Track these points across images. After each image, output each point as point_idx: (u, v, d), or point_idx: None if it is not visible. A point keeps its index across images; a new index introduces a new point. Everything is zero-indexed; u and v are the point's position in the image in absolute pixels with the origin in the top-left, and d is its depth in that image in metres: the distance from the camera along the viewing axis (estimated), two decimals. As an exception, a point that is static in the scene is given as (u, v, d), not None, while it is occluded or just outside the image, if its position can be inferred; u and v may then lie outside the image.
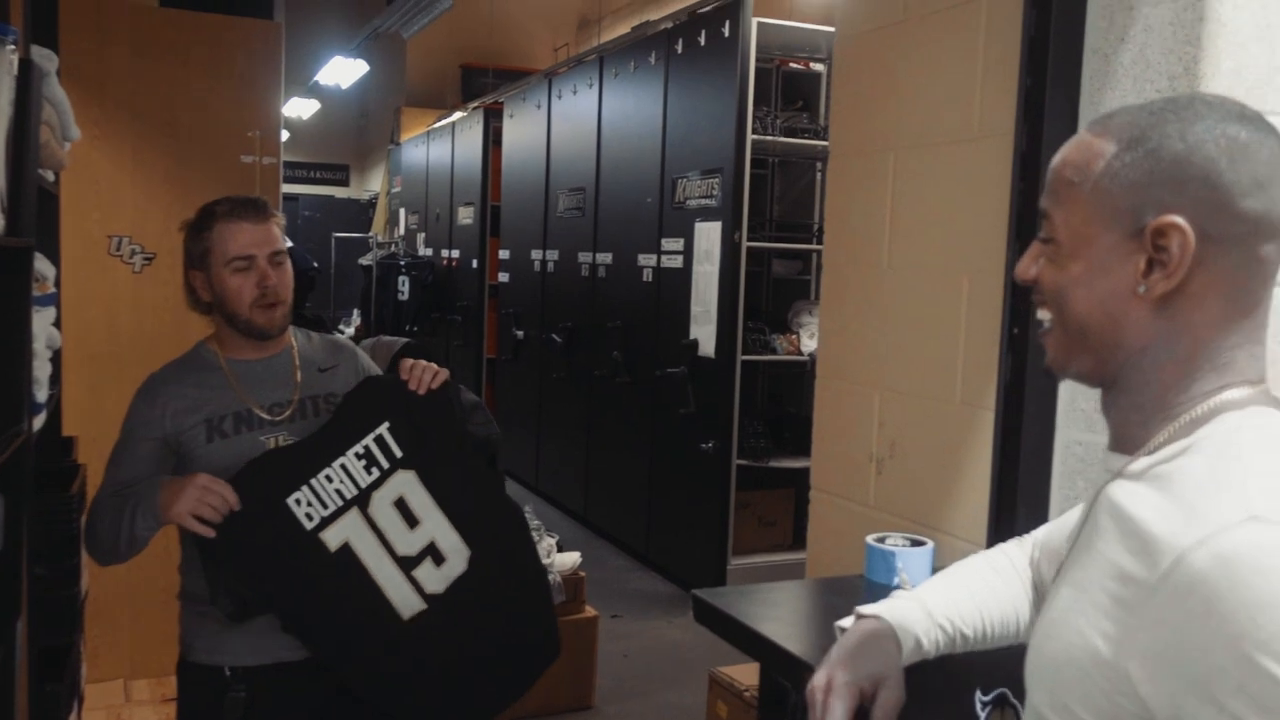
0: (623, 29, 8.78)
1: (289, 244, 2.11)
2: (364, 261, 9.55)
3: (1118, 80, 1.57)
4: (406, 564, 1.94)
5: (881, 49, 2.03)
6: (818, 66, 5.65)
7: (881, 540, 1.68)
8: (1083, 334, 0.95)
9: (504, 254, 7.43)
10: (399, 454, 1.92)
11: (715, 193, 4.91)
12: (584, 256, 6.19)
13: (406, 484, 1.93)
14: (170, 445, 1.96)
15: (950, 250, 1.86)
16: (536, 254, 6.84)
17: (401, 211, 9.78)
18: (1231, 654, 0.76)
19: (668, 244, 5.33)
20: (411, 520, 1.94)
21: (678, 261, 5.23)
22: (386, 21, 6.34)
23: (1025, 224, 1.62)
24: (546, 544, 3.98)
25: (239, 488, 1.82)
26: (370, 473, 1.89)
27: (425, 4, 5.74)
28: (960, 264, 1.83)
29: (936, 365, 1.50)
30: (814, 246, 5.61)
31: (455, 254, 8.37)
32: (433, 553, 1.97)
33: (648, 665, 4.39)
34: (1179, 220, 0.88)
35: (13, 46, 1.88)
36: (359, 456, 1.89)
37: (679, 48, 5.25)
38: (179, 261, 3.76)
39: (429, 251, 8.93)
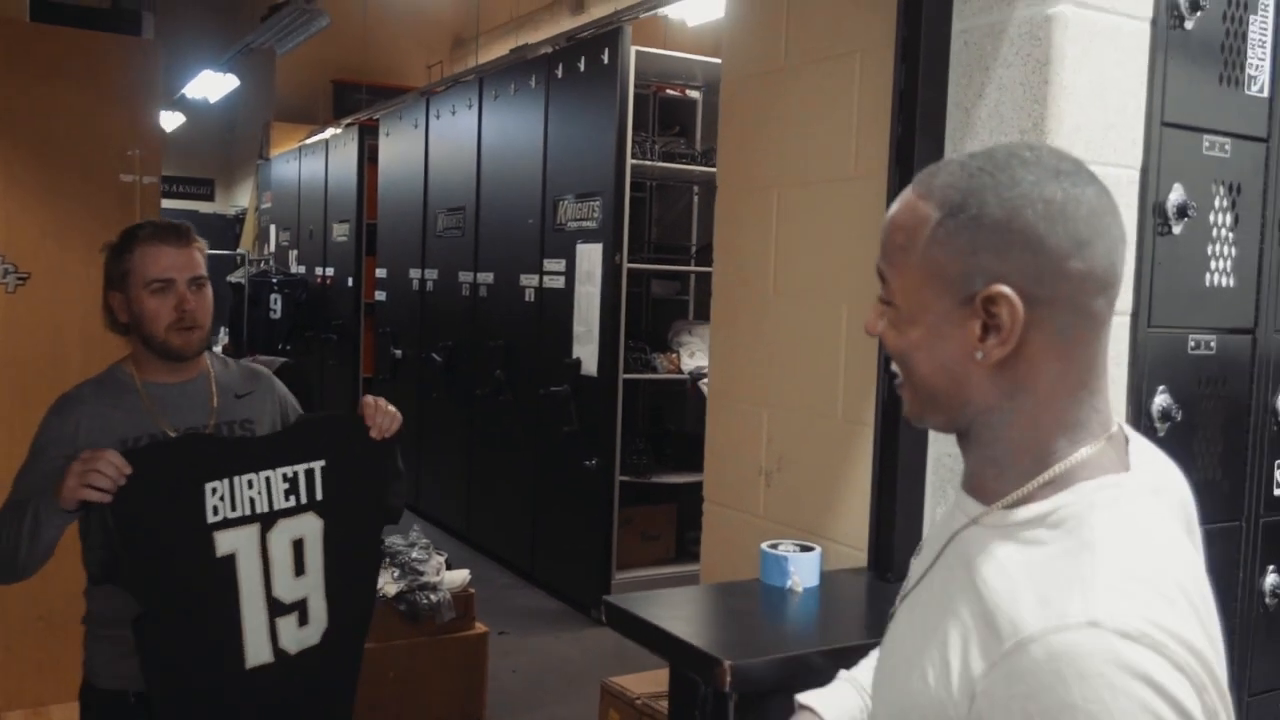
0: (499, 49, 8.85)
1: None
2: (233, 279, 9.34)
3: (976, 131, 1.76)
4: (276, 608, 1.90)
5: (765, 92, 2.19)
6: (693, 93, 5.85)
7: (774, 546, 1.83)
8: (931, 395, 0.97)
9: (381, 272, 7.40)
10: (319, 496, 1.90)
11: (596, 215, 5.04)
12: (465, 276, 6.24)
13: (310, 530, 1.91)
14: None
15: (831, 279, 2.03)
16: (415, 272, 6.85)
17: (272, 228, 9.61)
18: None
19: (550, 264, 5.43)
20: (300, 567, 1.92)
21: (559, 282, 5.34)
22: (260, 37, 6.28)
23: (898, 258, 1.80)
24: (435, 561, 4.02)
25: (169, 454, 1.82)
26: (287, 499, 1.88)
27: (302, 22, 5.71)
28: (840, 292, 2.00)
29: (820, 385, 1.65)
30: (691, 268, 5.81)
31: (330, 272, 8.29)
32: (301, 610, 1.94)
33: (536, 680, 4.46)
34: (1005, 290, 0.89)
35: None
36: (285, 479, 1.88)
37: (559, 72, 5.37)
38: (57, 281, 3.70)
39: (302, 269, 8.80)
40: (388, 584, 3.92)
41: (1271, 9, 1.83)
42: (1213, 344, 1.83)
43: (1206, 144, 1.79)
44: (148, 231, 1.99)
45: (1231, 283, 1.84)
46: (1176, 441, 1.79)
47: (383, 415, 1.95)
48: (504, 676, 4.34)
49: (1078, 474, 0.92)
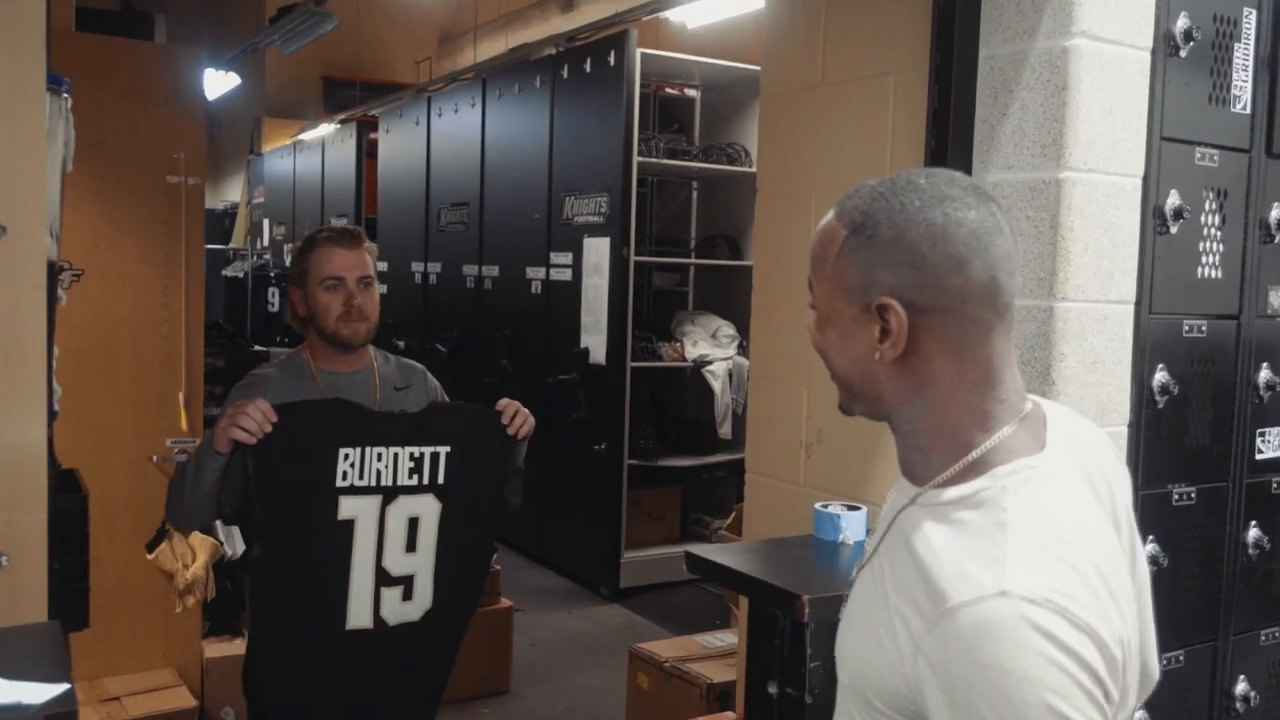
0: (488, 46, 9.04)
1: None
2: (228, 273, 9.48)
3: (1001, 146, 2.02)
4: (383, 578, 2.01)
5: (803, 107, 2.44)
6: (691, 92, 6.10)
7: (825, 506, 2.09)
8: (849, 388, 1.11)
9: (382, 266, 7.59)
10: (441, 480, 2.02)
11: (604, 210, 5.28)
12: (469, 269, 6.45)
13: (427, 510, 2.02)
14: None
15: (867, 274, 2.29)
16: (418, 266, 7.04)
17: (265, 222, 9.75)
18: (965, 695, 0.95)
19: (556, 258, 5.66)
20: (411, 544, 2.03)
21: (566, 275, 5.57)
22: (267, 38, 6.44)
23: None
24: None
25: (313, 412, 1.98)
26: (411, 478, 2.00)
27: (310, 24, 5.89)
28: (876, 285, 2.27)
29: None
30: (691, 260, 6.06)
31: (328, 265, 8.45)
32: (407, 585, 2.05)
33: (555, 652, 4.70)
34: (891, 301, 1.02)
35: (67, 96, 2.09)
36: (412, 458, 2.00)
37: (565, 73, 5.59)
38: (108, 278, 3.89)
39: (298, 263, 8.96)
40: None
41: (1253, 38, 2.10)
42: (1204, 328, 2.10)
43: (1198, 155, 2.06)
44: (325, 235, 2.22)
45: (1219, 275, 2.12)
46: (1173, 412, 2.07)
47: (521, 417, 2.14)
48: (524, 650, 4.58)
49: (993, 459, 1.04)
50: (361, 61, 9.76)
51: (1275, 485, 2.25)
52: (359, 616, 2.02)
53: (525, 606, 5.14)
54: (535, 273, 5.81)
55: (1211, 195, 2.09)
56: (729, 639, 3.78)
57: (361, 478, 1.99)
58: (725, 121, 5.95)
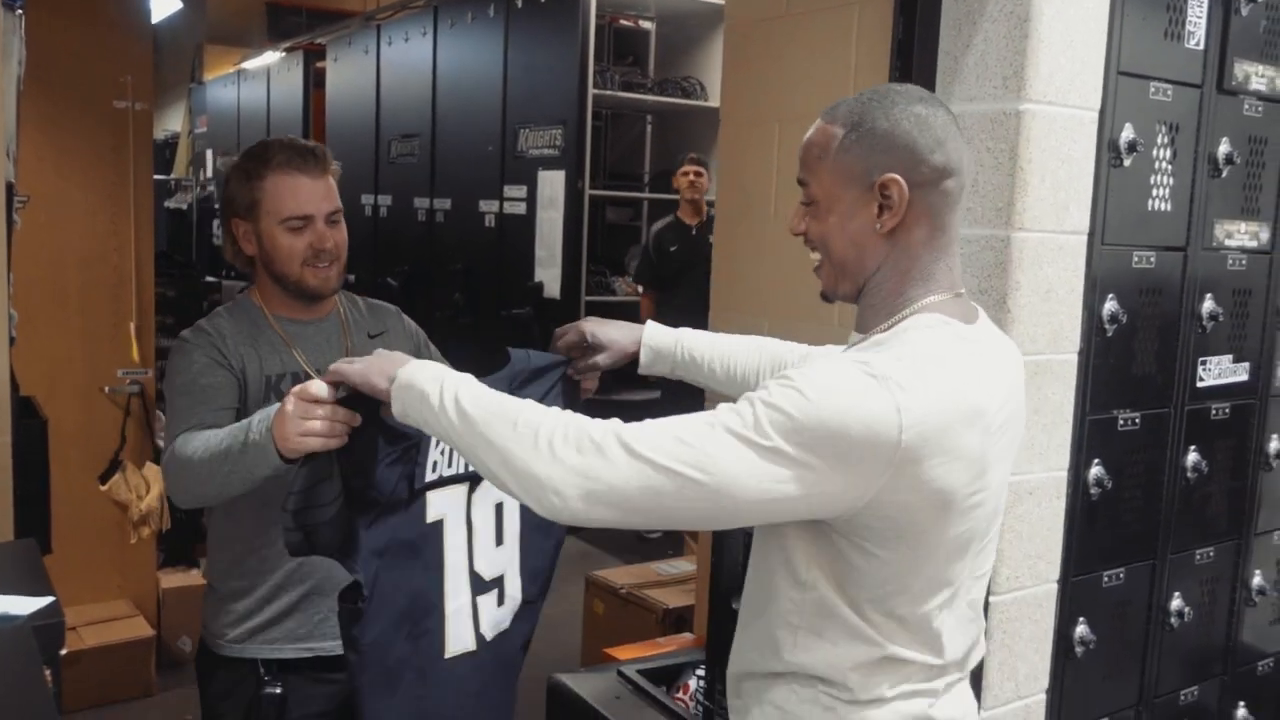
0: (439, -25, 8.84)
1: None
2: (171, 204, 9.29)
3: (964, 77, 2.05)
4: (477, 584, 1.63)
5: (767, 37, 2.45)
6: (646, 24, 6.05)
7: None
8: (843, 265, 1.33)
9: (331, 198, 7.48)
10: None
11: (559, 143, 5.24)
12: (421, 202, 6.38)
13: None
14: (240, 385, 1.80)
15: (828, 204, 2.33)
16: (368, 198, 6.95)
17: (208, 153, 9.53)
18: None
19: (510, 191, 5.62)
20: (499, 536, 1.67)
21: (521, 208, 5.54)
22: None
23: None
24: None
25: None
26: None
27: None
28: (837, 216, 2.30)
29: (814, 295, 1.94)
30: (645, 195, 6.05)
31: (274, 197, 8.31)
32: (499, 589, 1.68)
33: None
34: (895, 176, 1.27)
35: (20, 12, 2.04)
36: None
37: (519, 2, 5.51)
38: (54, 205, 3.80)
39: (244, 195, 8.80)
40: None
41: (1208, -26, 2.15)
42: (1152, 259, 2.17)
43: (1152, 89, 2.11)
44: (282, 157, 1.81)
45: (1169, 208, 2.18)
46: (1120, 341, 2.14)
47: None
48: (480, 579, 4.63)
49: (920, 311, 1.30)
50: (306, -13, 9.50)
51: (1214, 412, 2.34)
52: (459, 639, 1.62)
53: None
54: (489, 206, 5.77)
55: (1164, 129, 2.14)
56: (684, 566, 3.87)
57: (450, 465, 1.58)
58: (680, 55, 5.92)
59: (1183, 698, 2.42)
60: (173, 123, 10.68)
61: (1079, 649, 2.16)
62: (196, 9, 9.64)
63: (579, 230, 5.20)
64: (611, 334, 1.69)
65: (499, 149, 5.66)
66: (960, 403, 1.21)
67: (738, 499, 1.16)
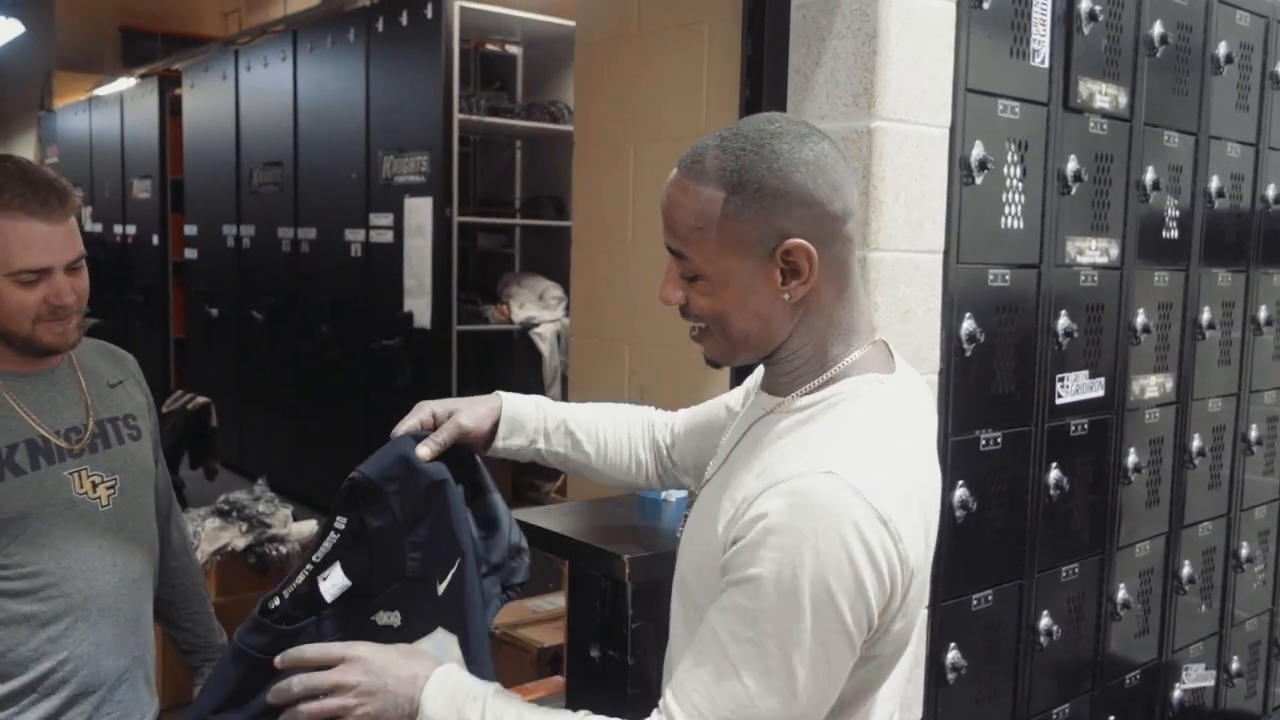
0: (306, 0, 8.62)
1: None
2: (19, 239, 8.78)
3: (815, 95, 2.01)
4: None
5: (618, 57, 2.38)
6: (513, 49, 5.95)
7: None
8: (745, 339, 1.15)
9: (190, 229, 7.17)
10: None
11: (425, 169, 5.10)
12: (285, 231, 6.15)
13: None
14: None
15: (685, 227, 2.26)
16: (230, 229, 6.68)
17: (60, 184, 9.07)
18: (760, 539, 1.03)
19: (376, 219, 5.45)
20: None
21: (388, 236, 5.37)
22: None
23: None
24: (282, 514, 4.07)
25: None
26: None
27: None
28: (694, 238, 2.24)
29: (676, 321, 1.87)
30: (517, 221, 5.94)
31: (131, 230, 7.94)
32: None
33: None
34: (801, 241, 1.09)
35: None
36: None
37: (380, 27, 5.36)
38: None
39: (98, 228, 8.39)
40: (236, 538, 3.95)
41: (1050, -7, 2.16)
42: (1007, 277, 2.16)
43: (1000, 107, 2.11)
44: (12, 195, 1.53)
45: (1021, 225, 2.18)
46: (980, 360, 2.12)
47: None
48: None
49: (850, 371, 1.15)
50: (163, 11, 9.18)
51: (1073, 428, 2.35)
52: None
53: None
54: (355, 235, 5.59)
55: (1013, 147, 2.14)
56: (558, 602, 3.75)
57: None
58: (548, 79, 5.84)
59: (1055, 716, 2.41)
60: (21, 151, 10.15)
61: (951, 675, 2.13)
62: (43, 34, 9.21)
63: (448, 258, 5.06)
64: (457, 402, 1.44)
65: (363, 176, 5.49)
66: (913, 484, 1.10)
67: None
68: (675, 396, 2.34)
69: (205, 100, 6.94)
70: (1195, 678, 2.75)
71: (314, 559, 1.33)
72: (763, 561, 1.02)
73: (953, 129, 2.03)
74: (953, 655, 2.13)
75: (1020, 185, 2.16)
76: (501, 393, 1.49)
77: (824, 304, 1.15)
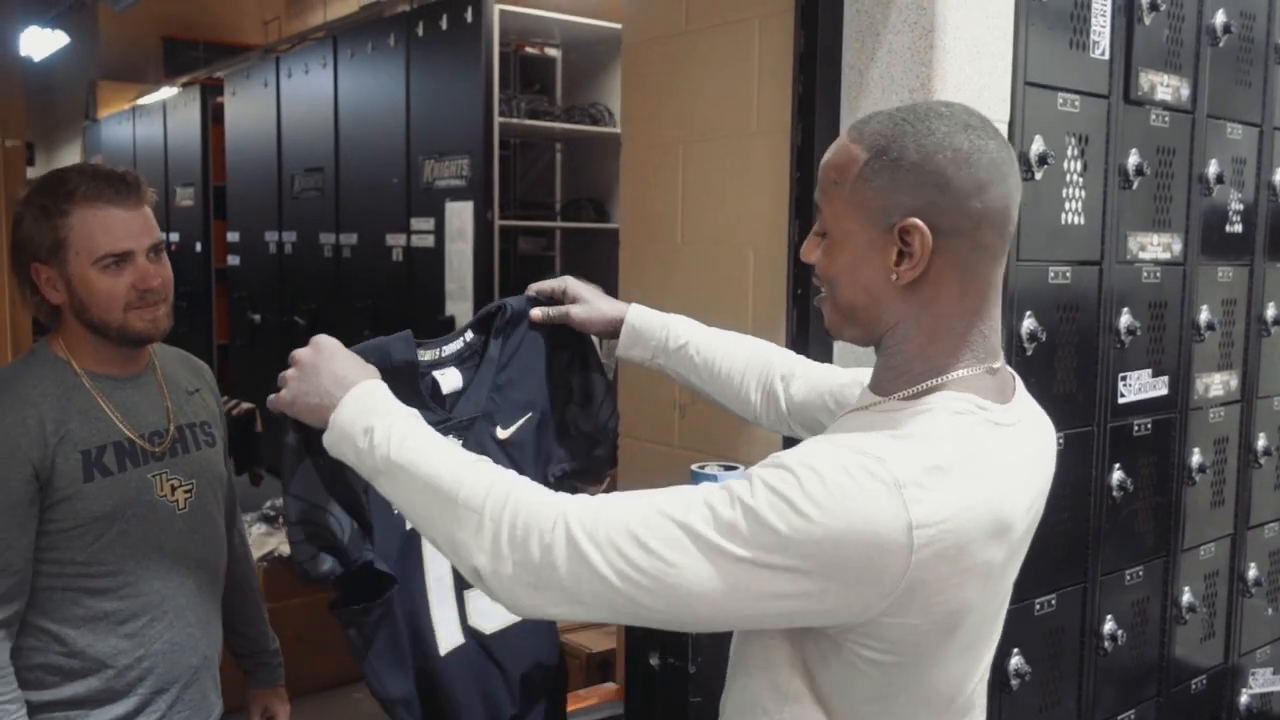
0: (340, 4, 8.66)
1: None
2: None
3: (869, 90, 1.97)
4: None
5: (666, 55, 2.35)
6: (552, 51, 5.94)
7: (702, 467, 2.03)
8: (851, 310, 1.13)
9: (233, 236, 7.23)
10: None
11: (466, 173, 5.10)
12: (326, 237, 6.18)
13: None
14: (40, 482, 1.59)
15: (737, 226, 2.22)
16: (272, 235, 6.73)
17: (105, 193, 9.18)
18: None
19: (417, 224, 5.46)
20: None
21: (429, 241, 5.38)
22: (95, -7, 6.00)
23: (804, 205, 2.00)
24: (328, 519, 4.07)
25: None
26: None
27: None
28: (746, 237, 2.20)
29: (729, 323, 1.85)
30: (557, 224, 5.93)
31: (175, 237, 8.02)
32: None
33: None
34: (918, 222, 1.05)
35: None
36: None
37: (420, 31, 5.37)
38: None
39: (142, 235, 8.49)
40: (282, 544, 3.97)
41: (1110, -18, 2.11)
42: (1068, 274, 2.11)
43: (1060, 100, 2.06)
44: (88, 187, 1.59)
45: (1081, 221, 2.13)
46: (1041, 359, 2.07)
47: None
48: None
49: (949, 386, 1.09)
50: (204, 20, 9.25)
51: (1136, 428, 2.29)
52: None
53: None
54: (396, 239, 5.60)
55: (1073, 141, 2.09)
56: (607, 606, 3.71)
57: None
58: (588, 81, 5.82)
59: (1119, 723, 2.35)
60: (68, 161, 10.30)
61: (1015, 681, 2.08)
62: (88, 45, 9.33)
63: (489, 262, 5.05)
64: (591, 294, 1.59)
65: (404, 181, 5.50)
66: (985, 517, 1.03)
67: (700, 614, 1.01)
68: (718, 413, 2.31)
69: (247, 107, 6.99)
70: (1263, 682, 2.68)
71: (442, 351, 1.54)
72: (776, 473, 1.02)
73: (1011, 123, 1.99)
74: (1016, 661, 2.08)
75: (1080, 180, 2.11)
76: (635, 305, 1.60)
77: (940, 303, 1.09)
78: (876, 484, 0.98)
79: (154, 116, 8.22)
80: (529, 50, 5.85)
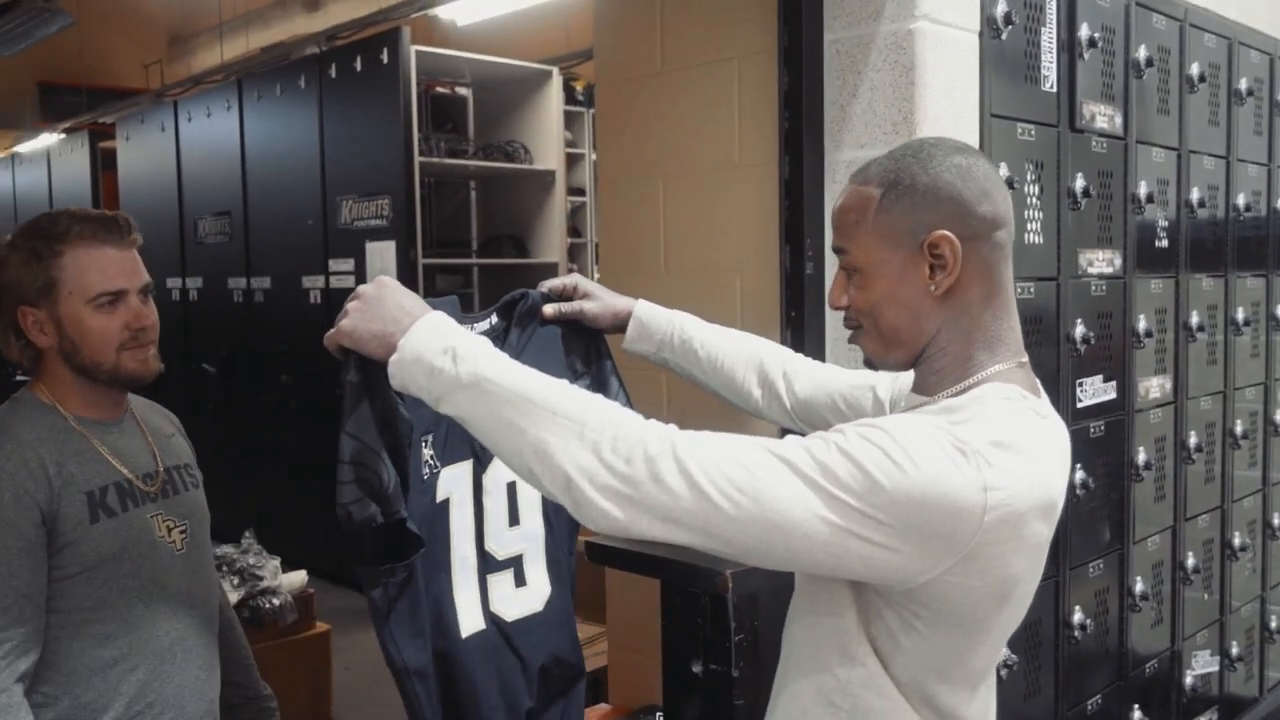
0: (229, 46, 8.53)
1: None
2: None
3: (852, 124, 2.10)
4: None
5: (643, 95, 2.45)
6: (463, 90, 6.00)
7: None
8: (895, 332, 1.23)
9: (130, 284, 7.02)
10: None
11: (387, 213, 5.10)
12: (236, 281, 6.07)
13: None
14: (46, 526, 1.57)
15: (722, 254, 2.32)
16: (174, 282, 6.57)
17: (-20, 244, 8.78)
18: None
19: (336, 264, 5.42)
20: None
21: (349, 281, 5.34)
22: (-19, 38, 5.79)
23: (793, 232, 2.12)
24: (272, 565, 4.01)
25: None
26: None
27: (38, 23, 5.32)
28: (733, 264, 2.30)
29: None
30: (473, 260, 5.96)
31: (62, 287, 7.74)
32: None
33: (372, 675, 4.50)
34: (946, 233, 1.18)
35: None
36: None
37: (333, 73, 5.36)
38: None
39: (25, 286, 8.15)
40: (229, 593, 3.87)
41: (1055, 22, 2.30)
42: (1032, 290, 2.28)
43: (1019, 130, 2.23)
44: (81, 227, 1.61)
45: (1040, 240, 2.30)
46: (1013, 370, 2.23)
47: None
48: (340, 675, 4.36)
49: (993, 379, 1.20)
50: (81, 65, 8.99)
51: (1093, 430, 2.47)
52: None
53: (332, 630, 4.90)
54: (313, 281, 5.55)
55: (1031, 167, 2.27)
56: (588, 629, 3.75)
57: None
58: (498, 119, 5.90)
59: (1089, 708, 2.51)
60: (-64, 214, 9.80)
61: (1003, 671, 2.21)
62: (-45, 91, 8.95)
63: (415, 301, 5.05)
64: (600, 290, 1.68)
65: (320, 223, 5.46)
66: (1039, 493, 1.14)
67: (789, 546, 1.07)
68: (715, 423, 2.40)
69: (142, 152, 6.82)
70: (1202, 664, 2.89)
71: (473, 327, 1.56)
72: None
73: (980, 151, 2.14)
74: (1004, 651, 2.22)
75: (1038, 202, 2.28)
76: (642, 300, 1.70)
77: (971, 305, 1.21)
78: (955, 452, 1.09)
79: (36, 164, 7.94)
80: (440, 90, 5.90)
